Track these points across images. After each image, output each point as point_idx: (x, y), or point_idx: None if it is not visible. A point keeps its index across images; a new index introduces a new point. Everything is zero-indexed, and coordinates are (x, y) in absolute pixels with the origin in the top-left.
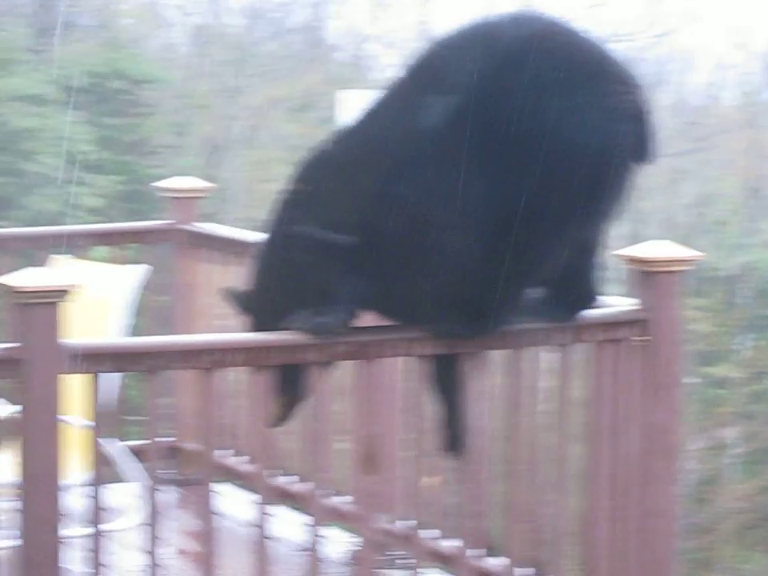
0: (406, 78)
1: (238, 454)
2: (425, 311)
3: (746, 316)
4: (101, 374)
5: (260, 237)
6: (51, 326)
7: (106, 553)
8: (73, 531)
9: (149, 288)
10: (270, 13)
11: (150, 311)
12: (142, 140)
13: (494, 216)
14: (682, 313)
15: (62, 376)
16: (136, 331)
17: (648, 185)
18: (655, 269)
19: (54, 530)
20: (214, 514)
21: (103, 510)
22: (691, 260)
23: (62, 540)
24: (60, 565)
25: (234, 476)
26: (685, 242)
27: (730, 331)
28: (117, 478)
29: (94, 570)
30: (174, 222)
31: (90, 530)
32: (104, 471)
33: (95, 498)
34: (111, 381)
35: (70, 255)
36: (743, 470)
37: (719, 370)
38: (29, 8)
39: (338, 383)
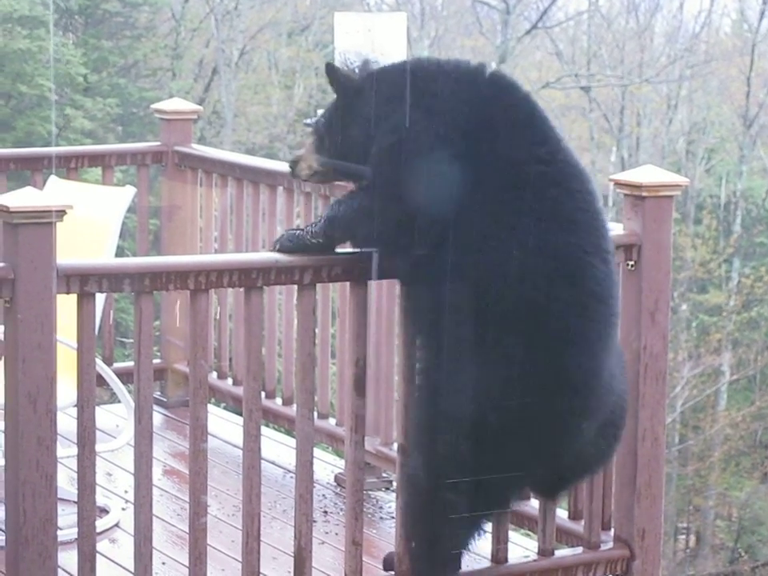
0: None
1: (224, 376)
2: None
3: (739, 244)
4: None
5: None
6: (46, 246)
7: (95, 473)
8: (64, 452)
9: (140, 211)
10: None
11: (140, 234)
12: (136, 63)
13: None
14: (672, 238)
15: (57, 296)
16: (125, 254)
17: (643, 111)
18: (645, 194)
19: (51, 450)
20: (203, 434)
21: (93, 430)
22: (680, 185)
23: (59, 460)
24: (56, 486)
25: (221, 398)
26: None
27: (724, 258)
28: (106, 400)
29: (84, 490)
30: (166, 144)
31: (80, 450)
32: (95, 392)
33: (85, 418)
34: (96, 303)
35: (63, 176)
36: (734, 397)
37: (712, 298)
38: None
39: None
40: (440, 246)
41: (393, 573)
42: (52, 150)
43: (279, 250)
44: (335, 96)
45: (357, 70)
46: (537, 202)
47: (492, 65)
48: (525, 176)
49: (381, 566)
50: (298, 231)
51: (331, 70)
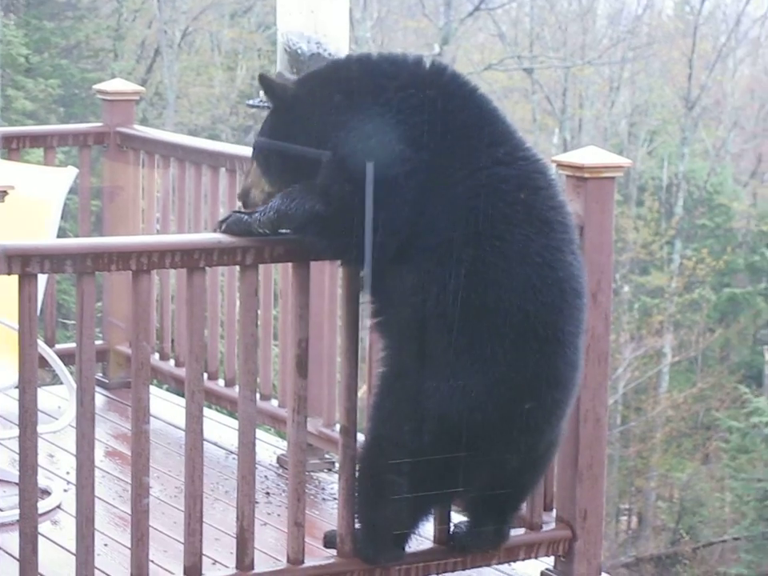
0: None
1: (167, 357)
2: None
3: (681, 226)
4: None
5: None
6: None
7: (37, 455)
8: (6, 433)
9: (82, 192)
10: None
11: (82, 215)
12: (78, 43)
13: None
14: (614, 220)
15: None
16: (67, 236)
17: (585, 93)
18: (587, 175)
19: None
20: (145, 416)
21: (34, 411)
22: (622, 167)
23: (0, 441)
24: None
25: (163, 379)
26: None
27: (666, 240)
28: (48, 381)
29: (25, 472)
30: (108, 125)
31: (22, 432)
32: (37, 373)
33: (27, 399)
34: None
35: (4, 157)
36: (676, 379)
37: (654, 279)
38: None
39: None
40: (402, 252)
41: (334, 551)
42: None
43: (224, 232)
44: (270, 109)
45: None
46: (508, 206)
47: (435, 48)
48: (489, 181)
49: (324, 548)
50: (245, 217)
51: (265, 80)
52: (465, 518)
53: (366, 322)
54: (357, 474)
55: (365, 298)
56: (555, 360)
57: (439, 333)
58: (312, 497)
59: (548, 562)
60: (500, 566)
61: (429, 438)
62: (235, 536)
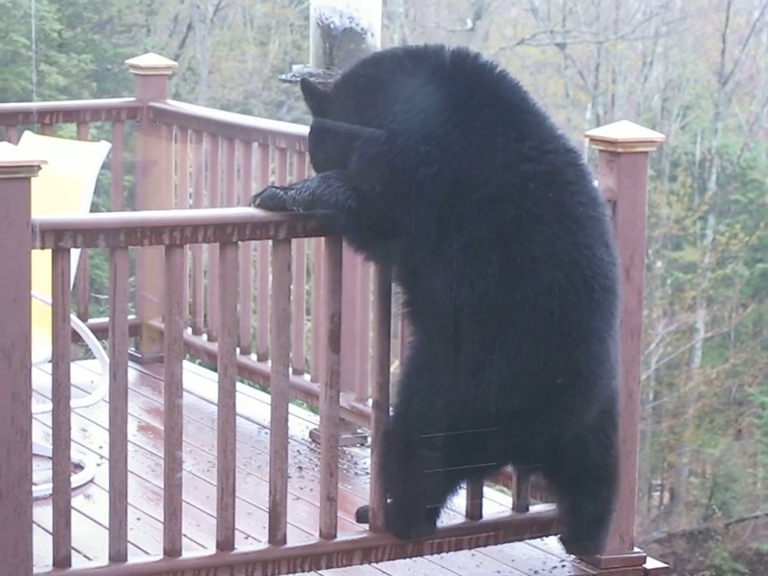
0: None
1: (199, 332)
2: None
3: (714, 201)
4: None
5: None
6: (21, 201)
7: (70, 429)
8: (39, 407)
9: (115, 167)
10: None
11: (115, 190)
12: (110, 19)
13: None
14: (647, 195)
15: (33, 252)
16: (100, 211)
17: (618, 68)
18: (621, 150)
19: (27, 406)
20: (178, 390)
21: (67, 386)
22: (656, 141)
23: (34, 416)
24: (31, 442)
25: (196, 354)
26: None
27: (699, 216)
28: (81, 356)
29: (59, 446)
30: (141, 99)
31: (55, 406)
32: (70, 348)
33: (60, 374)
34: (71, 259)
35: (38, 132)
36: (708, 355)
37: (687, 255)
38: None
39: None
40: (432, 251)
41: (366, 525)
42: (27, 105)
43: (258, 206)
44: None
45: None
46: (536, 205)
47: (468, 23)
48: (516, 180)
49: (356, 522)
50: (281, 192)
51: (306, 85)
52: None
53: (397, 298)
54: (384, 449)
55: (395, 289)
56: (578, 355)
57: (466, 329)
58: (344, 471)
59: None
60: (532, 541)
61: (451, 424)
62: (268, 510)
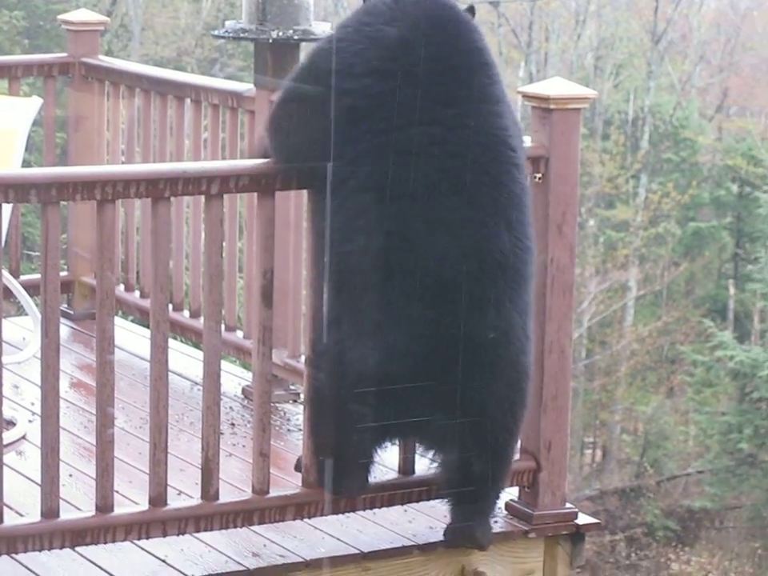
0: None
1: (132, 288)
2: None
3: (647, 160)
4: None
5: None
6: None
7: (2, 385)
8: None
9: (47, 123)
10: None
11: (47, 146)
12: None
13: None
14: (580, 153)
15: None
16: (32, 167)
17: (551, 26)
18: (553, 106)
19: None
20: (110, 346)
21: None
22: (588, 98)
23: None
24: None
25: (128, 310)
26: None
27: (632, 174)
28: (13, 313)
29: None
30: (73, 55)
31: None
32: (2, 305)
33: None
34: (3, 215)
35: None
36: (641, 313)
37: (619, 213)
38: None
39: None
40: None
41: (299, 481)
42: None
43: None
44: None
45: None
46: (435, 172)
47: None
48: (421, 140)
49: (289, 478)
50: None
51: None
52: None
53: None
54: (312, 407)
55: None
56: (473, 324)
57: (363, 287)
58: (277, 428)
59: (512, 492)
60: None
61: (365, 382)
62: (200, 467)
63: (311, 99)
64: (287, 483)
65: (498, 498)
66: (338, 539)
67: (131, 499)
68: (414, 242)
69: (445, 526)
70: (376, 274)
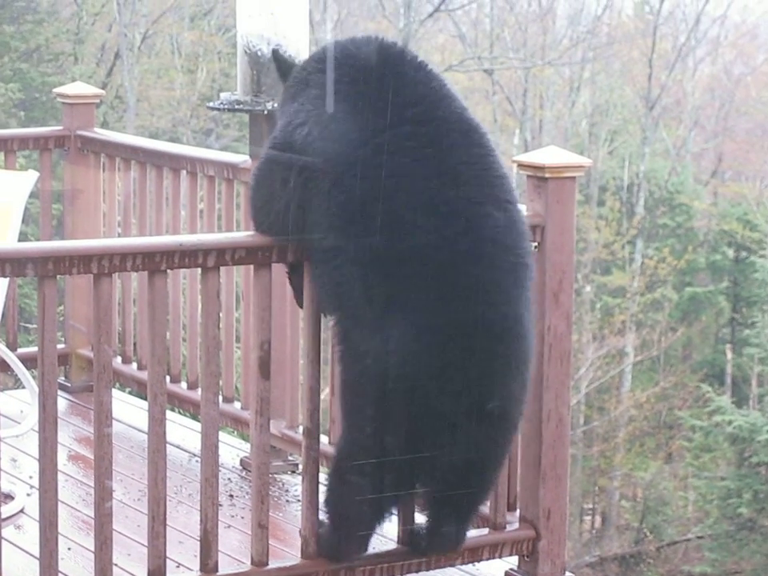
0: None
1: (129, 361)
2: None
3: (643, 225)
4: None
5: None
6: None
7: (0, 459)
8: None
9: (43, 196)
10: None
11: (43, 219)
12: (38, 47)
13: None
14: (575, 219)
15: None
16: (29, 240)
17: (546, 94)
18: (548, 175)
19: None
20: (108, 419)
21: None
22: (583, 166)
23: None
24: None
25: (126, 382)
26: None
27: (628, 240)
28: (10, 386)
29: None
30: (69, 128)
31: None
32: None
33: None
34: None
35: None
36: (638, 378)
37: (616, 279)
38: None
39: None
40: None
41: (297, 553)
42: None
43: None
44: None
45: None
46: (415, 161)
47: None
48: (394, 140)
49: (288, 550)
50: None
51: (276, 56)
52: (425, 519)
53: (328, 324)
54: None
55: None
56: (484, 309)
57: (361, 289)
58: (276, 499)
59: (512, 561)
60: (464, 566)
61: (374, 402)
62: (199, 539)
63: (284, 168)
64: (286, 554)
65: (482, 502)
66: None
67: (130, 572)
68: (405, 230)
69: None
70: (377, 269)
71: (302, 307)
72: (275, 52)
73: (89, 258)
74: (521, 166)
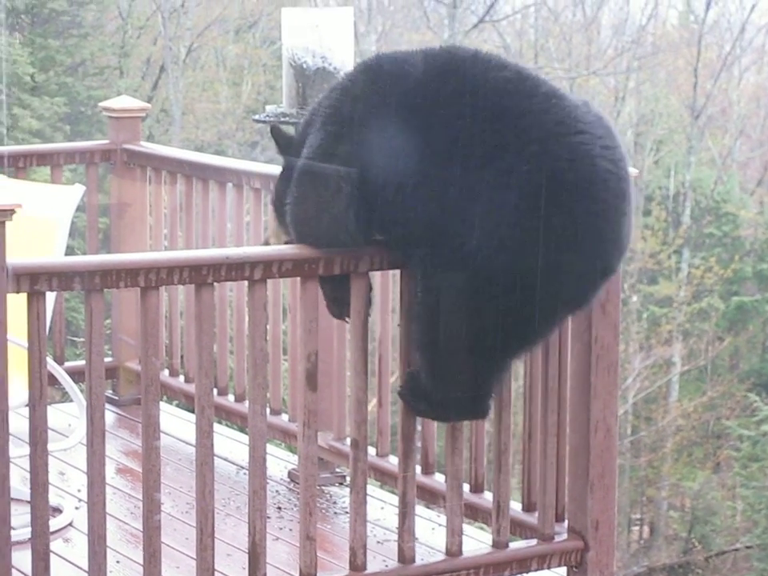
0: None
1: (176, 373)
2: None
3: (689, 234)
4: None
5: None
6: None
7: (48, 473)
8: (17, 451)
9: (89, 210)
10: None
11: (90, 232)
12: (83, 61)
13: None
14: None
15: (8, 296)
16: (75, 253)
17: (592, 104)
18: None
19: (4, 450)
20: (155, 432)
21: (45, 429)
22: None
23: (12, 460)
24: (9, 486)
25: (173, 395)
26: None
27: (674, 249)
28: (58, 399)
29: (37, 490)
30: (115, 142)
31: (33, 450)
32: (47, 391)
33: (37, 417)
34: (47, 302)
35: (11, 176)
36: (686, 388)
37: (662, 289)
38: None
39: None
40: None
41: (346, 565)
42: (1, 149)
43: None
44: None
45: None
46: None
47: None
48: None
49: (336, 561)
50: None
51: (274, 132)
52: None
53: (374, 335)
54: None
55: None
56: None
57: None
58: (323, 511)
59: (561, 572)
60: None
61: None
62: (247, 551)
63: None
64: (334, 566)
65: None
66: None
67: None
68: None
69: None
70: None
71: (334, 315)
72: (273, 128)
73: (136, 271)
74: None
